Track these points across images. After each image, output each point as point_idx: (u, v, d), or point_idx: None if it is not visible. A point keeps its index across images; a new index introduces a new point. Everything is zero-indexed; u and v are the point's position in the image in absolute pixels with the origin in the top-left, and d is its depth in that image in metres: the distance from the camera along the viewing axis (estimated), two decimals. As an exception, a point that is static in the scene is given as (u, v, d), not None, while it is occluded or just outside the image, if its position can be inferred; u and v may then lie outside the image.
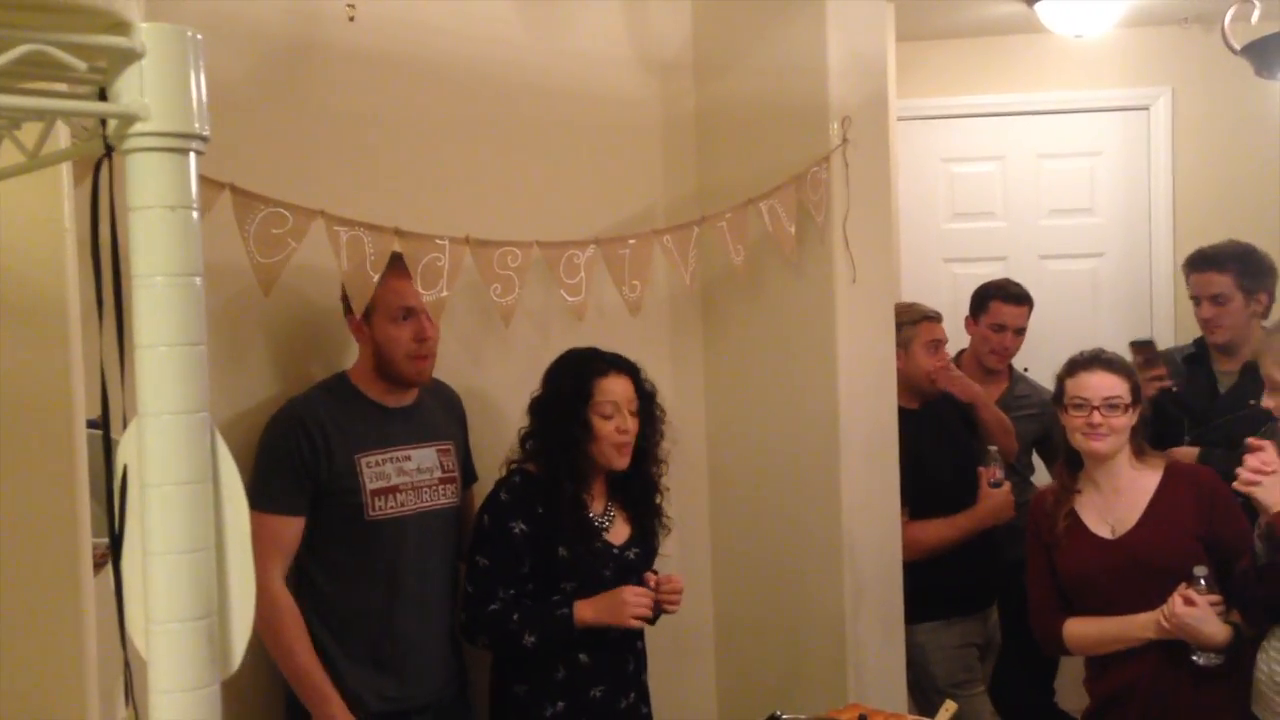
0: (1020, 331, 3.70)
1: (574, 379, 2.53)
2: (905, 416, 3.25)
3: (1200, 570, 2.39)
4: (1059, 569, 2.66)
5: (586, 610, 2.45)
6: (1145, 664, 2.52)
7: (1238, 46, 1.92)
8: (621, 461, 2.53)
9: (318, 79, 2.54)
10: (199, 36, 0.70)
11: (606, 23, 3.13)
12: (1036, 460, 3.83)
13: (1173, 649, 2.47)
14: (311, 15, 2.53)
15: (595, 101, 3.08)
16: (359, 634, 2.40)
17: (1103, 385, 2.61)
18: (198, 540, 0.73)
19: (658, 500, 2.67)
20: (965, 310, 3.81)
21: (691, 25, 3.28)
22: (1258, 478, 2.28)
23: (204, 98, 0.71)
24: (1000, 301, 3.68)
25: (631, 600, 2.45)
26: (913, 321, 3.33)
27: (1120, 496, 2.63)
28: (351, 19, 2.58)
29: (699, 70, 3.28)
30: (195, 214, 0.69)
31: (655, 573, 2.58)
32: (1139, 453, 2.66)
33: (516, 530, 2.47)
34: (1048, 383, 2.97)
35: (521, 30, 2.92)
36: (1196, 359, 3.43)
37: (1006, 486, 3.29)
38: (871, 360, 3.09)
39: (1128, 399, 2.60)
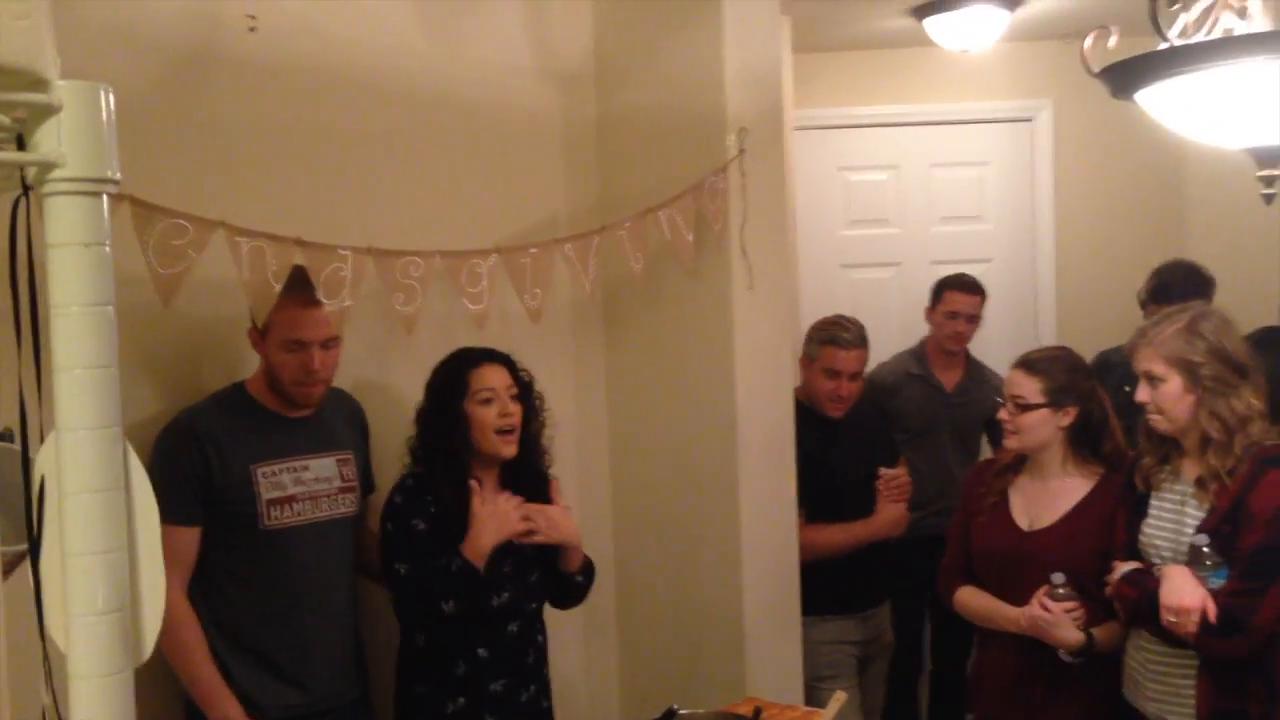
0: (973, 319, 4.04)
1: (446, 376, 2.56)
2: (823, 423, 3.35)
3: (1058, 578, 2.54)
4: (971, 538, 2.78)
5: (472, 547, 2.46)
6: (1020, 644, 2.64)
7: (1095, 69, 2.06)
8: (509, 449, 2.55)
9: (219, 88, 2.54)
10: (110, 91, 0.76)
11: (508, 33, 3.16)
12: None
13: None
14: (212, 24, 2.53)
15: (497, 111, 3.11)
16: (258, 643, 2.41)
17: (1012, 383, 2.70)
18: (111, 542, 0.79)
19: (550, 490, 2.68)
20: (864, 314, 3.95)
21: (592, 37, 3.33)
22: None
23: (114, 145, 0.78)
24: (953, 291, 4.04)
25: (506, 508, 2.50)
26: (819, 341, 3.37)
27: (1049, 494, 2.70)
28: (253, 29, 2.59)
29: (600, 81, 3.33)
30: (107, 249, 0.75)
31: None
32: (1078, 459, 2.69)
33: (420, 528, 2.49)
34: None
35: (423, 40, 2.95)
36: None
37: (903, 506, 3.39)
38: (769, 364, 3.16)
39: (1037, 400, 2.63)
